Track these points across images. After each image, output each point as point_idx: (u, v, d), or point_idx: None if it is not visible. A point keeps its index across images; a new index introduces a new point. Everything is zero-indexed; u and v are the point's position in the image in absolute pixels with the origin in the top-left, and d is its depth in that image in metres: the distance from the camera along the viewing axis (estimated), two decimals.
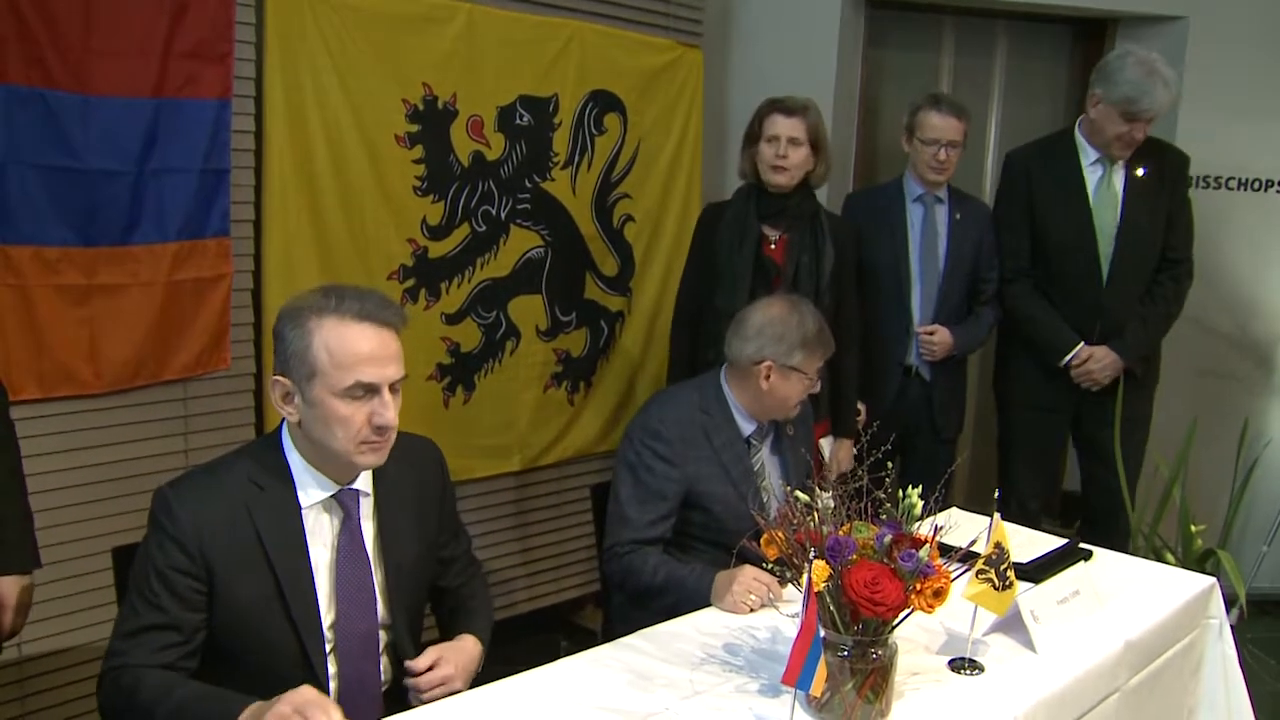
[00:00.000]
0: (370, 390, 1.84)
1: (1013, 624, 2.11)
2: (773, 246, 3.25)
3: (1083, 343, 3.55)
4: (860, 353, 3.41)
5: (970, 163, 4.42)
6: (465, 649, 2.02)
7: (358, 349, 1.82)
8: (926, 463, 3.52)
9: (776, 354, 2.54)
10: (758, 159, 3.22)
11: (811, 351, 2.56)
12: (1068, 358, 3.56)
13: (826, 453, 3.26)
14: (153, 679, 1.77)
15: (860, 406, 3.47)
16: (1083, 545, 2.62)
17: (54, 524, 2.57)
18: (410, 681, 1.92)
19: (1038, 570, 2.35)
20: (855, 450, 3.26)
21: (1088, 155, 3.56)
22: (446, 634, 2.12)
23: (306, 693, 1.64)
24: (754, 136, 3.24)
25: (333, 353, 1.81)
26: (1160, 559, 3.57)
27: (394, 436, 1.90)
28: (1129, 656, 2.18)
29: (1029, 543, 2.56)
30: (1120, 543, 3.49)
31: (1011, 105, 4.69)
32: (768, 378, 2.55)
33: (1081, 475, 3.86)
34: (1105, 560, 2.60)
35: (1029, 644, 2.08)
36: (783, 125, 3.18)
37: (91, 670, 2.72)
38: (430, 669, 1.93)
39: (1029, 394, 3.71)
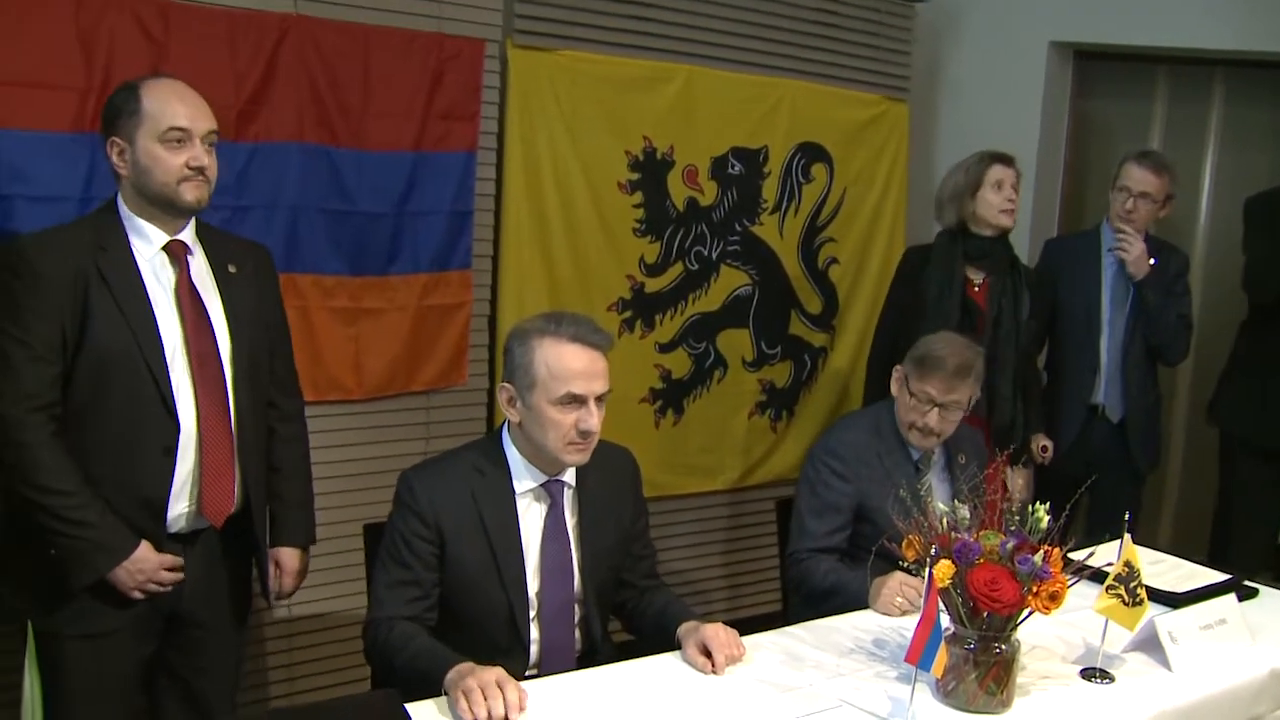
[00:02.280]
0: (578, 400, 2.17)
1: (1151, 644, 2.21)
2: (975, 289, 3.42)
3: None
4: (1044, 391, 3.56)
5: (1184, 213, 4.41)
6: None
7: (571, 365, 2.16)
8: (1113, 498, 3.60)
9: (905, 363, 2.79)
10: (978, 205, 3.38)
11: (922, 371, 2.72)
12: None
13: (1009, 482, 3.41)
14: (400, 629, 2.13)
15: (1048, 443, 3.60)
16: (1248, 584, 2.65)
17: (318, 506, 2.92)
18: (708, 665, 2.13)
19: (1187, 599, 2.42)
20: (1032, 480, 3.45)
21: None
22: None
23: (498, 670, 1.90)
24: (974, 186, 3.40)
25: (550, 367, 2.16)
26: None
27: (596, 441, 2.23)
28: (1273, 687, 2.24)
29: (1189, 576, 2.62)
30: None
31: (1228, 154, 4.60)
32: (897, 386, 2.80)
33: None
34: (1274, 600, 2.62)
35: (1165, 663, 2.17)
36: (1008, 174, 3.39)
37: (344, 634, 3.18)
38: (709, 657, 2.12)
39: (1252, 438, 3.69)
